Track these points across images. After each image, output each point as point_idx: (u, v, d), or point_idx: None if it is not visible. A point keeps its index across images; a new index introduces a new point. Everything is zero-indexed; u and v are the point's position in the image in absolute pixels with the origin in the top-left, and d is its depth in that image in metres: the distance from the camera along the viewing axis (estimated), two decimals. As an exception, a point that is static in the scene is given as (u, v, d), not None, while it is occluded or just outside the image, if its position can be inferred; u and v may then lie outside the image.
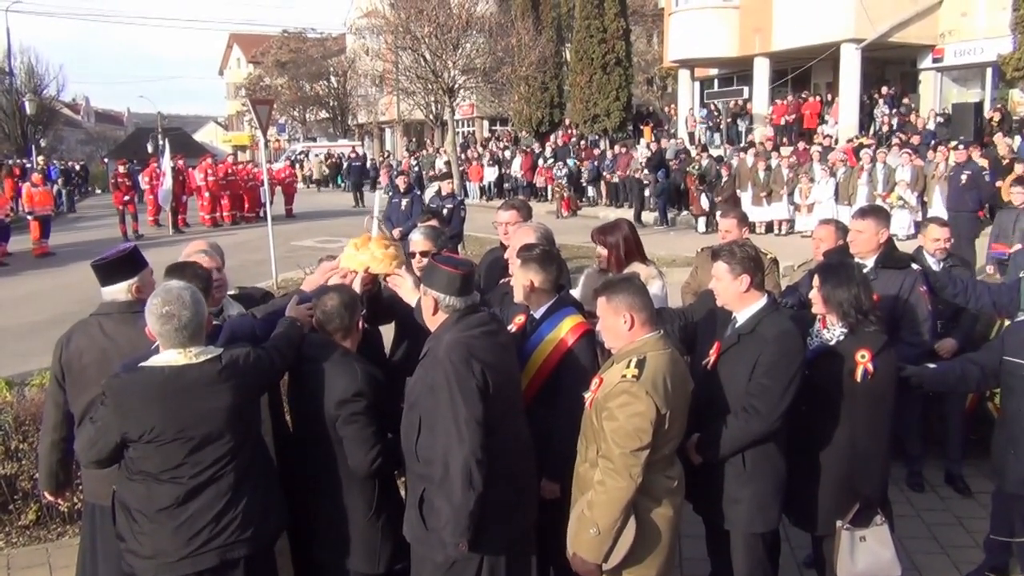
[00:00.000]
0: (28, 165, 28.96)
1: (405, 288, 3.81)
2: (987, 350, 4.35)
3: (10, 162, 28.84)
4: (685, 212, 21.04)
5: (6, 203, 18.24)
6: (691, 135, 27.54)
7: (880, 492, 3.85)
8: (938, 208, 15.06)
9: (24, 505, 5.16)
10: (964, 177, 13.52)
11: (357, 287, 3.81)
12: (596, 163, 25.40)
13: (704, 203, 19.27)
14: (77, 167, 35.68)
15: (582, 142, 28.09)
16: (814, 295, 3.80)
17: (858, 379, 3.60)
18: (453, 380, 3.07)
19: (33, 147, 37.76)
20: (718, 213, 8.79)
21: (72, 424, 3.53)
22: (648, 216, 21.25)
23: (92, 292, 3.63)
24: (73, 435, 3.48)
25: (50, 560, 4.96)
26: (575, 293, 4.64)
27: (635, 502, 3.12)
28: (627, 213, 20.91)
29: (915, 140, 18.99)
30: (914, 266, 4.94)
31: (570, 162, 26.05)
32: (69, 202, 30.06)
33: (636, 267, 4.58)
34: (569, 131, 30.73)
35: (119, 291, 3.54)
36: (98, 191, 36.91)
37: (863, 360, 3.59)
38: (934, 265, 5.45)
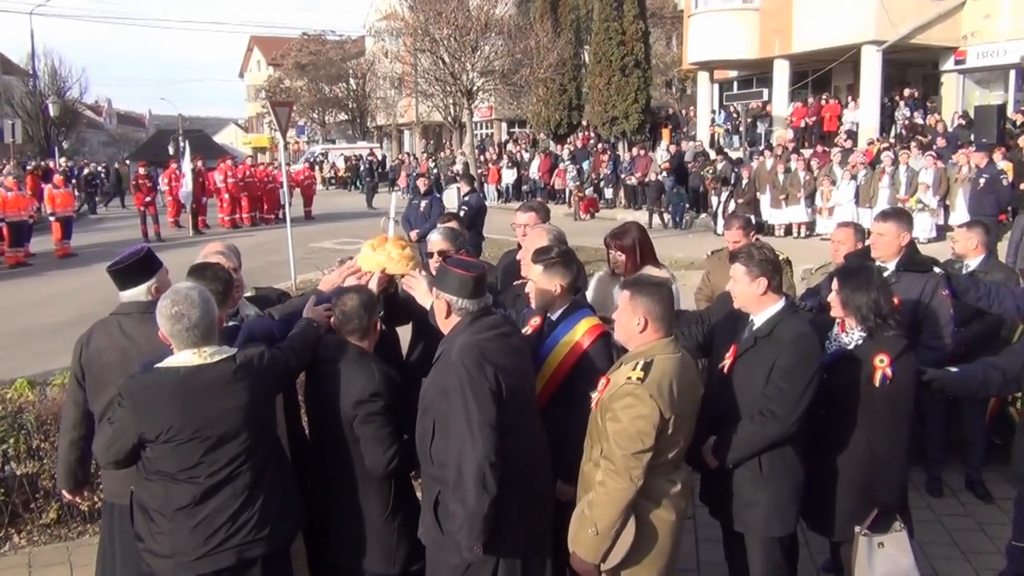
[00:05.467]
0: (51, 165, 29.28)
1: (420, 290, 3.80)
2: (1009, 354, 4.29)
3: (32, 165, 29.04)
4: (704, 215, 20.98)
5: (30, 204, 18.42)
6: (712, 137, 27.43)
7: (899, 498, 3.82)
8: (961, 211, 14.92)
9: (45, 504, 5.20)
10: (983, 181, 13.39)
11: (373, 287, 3.83)
12: (613, 165, 25.36)
13: (716, 204, 19.31)
14: (101, 169, 35.92)
15: (599, 145, 28.06)
16: (833, 298, 3.77)
17: (876, 384, 3.57)
18: (466, 384, 3.06)
19: (56, 149, 38.15)
20: (721, 223, 8.76)
21: (91, 423, 3.56)
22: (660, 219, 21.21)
23: (113, 293, 3.66)
24: (92, 434, 3.51)
25: (71, 558, 5.00)
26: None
27: (636, 504, 3.11)
28: (645, 216, 20.88)
29: (940, 143, 18.81)
30: (936, 270, 4.89)
31: (585, 164, 26.03)
32: (91, 204, 30.22)
33: (649, 270, 4.56)
34: (587, 133, 30.71)
35: (138, 293, 3.57)
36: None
37: (882, 364, 3.56)
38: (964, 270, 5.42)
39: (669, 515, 3.23)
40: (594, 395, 3.31)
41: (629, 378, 3.12)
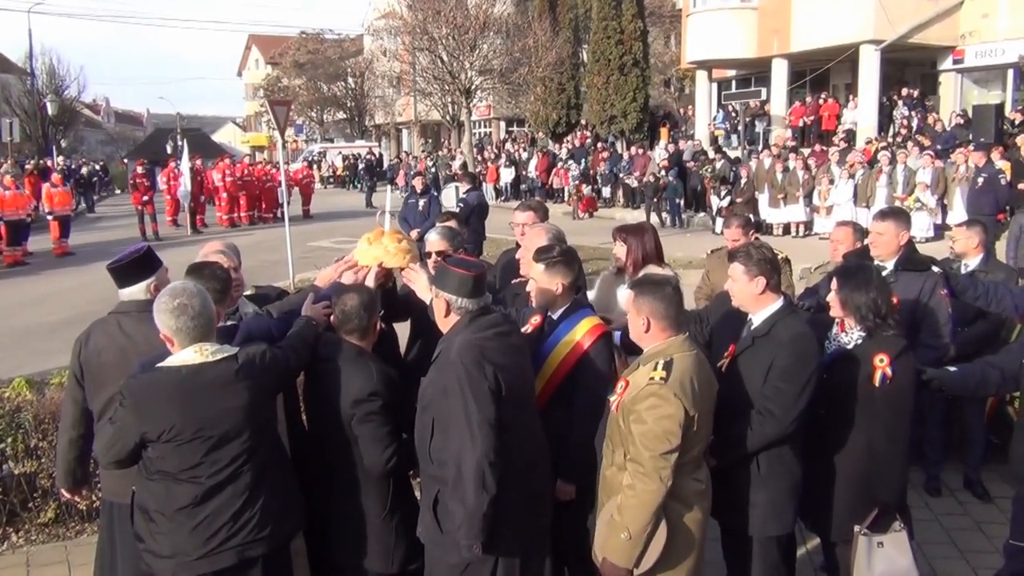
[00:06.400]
0: (50, 164, 29.21)
1: (420, 283, 3.77)
2: (1007, 353, 4.30)
3: (30, 164, 28.97)
4: (702, 214, 20.98)
5: (28, 203, 18.39)
6: (713, 136, 27.42)
7: (898, 498, 3.81)
8: (959, 211, 14.93)
9: (43, 503, 5.20)
10: (981, 180, 13.39)
11: (370, 282, 3.81)
12: (612, 164, 25.35)
13: (715, 203, 19.31)
14: (99, 168, 35.82)
15: (597, 144, 28.03)
16: (832, 298, 3.77)
17: (876, 383, 3.56)
18: (465, 382, 3.06)
19: (54, 148, 38.05)
20: (720, 222, 8.77)
21: (90, 421, 3.56)
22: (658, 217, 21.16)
23: (111, 292, 3.65)
24: (91, 432, 3.52)
25: (69, 558, 5.00)
26: (589, 295, 4.62)
27: (665, 506, 3.10)
28: (643, 214, 20.87)
29: (926, 142, 18.83)
30: (935, 269, 4.90)
31: (582, 162, 26.01)
32: (88, 203, 30.17)
33: (652, 269, 4.56)
34: (585, 132, 30.68)
35: (137, 291, 3.57)
36: (117, 191, 37.15)
37: (881, 364, 3.56)
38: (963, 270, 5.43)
39: (697, 515, 3.23)
40: (613, 398, 3.29)
41: (652, 378, 3.10)
